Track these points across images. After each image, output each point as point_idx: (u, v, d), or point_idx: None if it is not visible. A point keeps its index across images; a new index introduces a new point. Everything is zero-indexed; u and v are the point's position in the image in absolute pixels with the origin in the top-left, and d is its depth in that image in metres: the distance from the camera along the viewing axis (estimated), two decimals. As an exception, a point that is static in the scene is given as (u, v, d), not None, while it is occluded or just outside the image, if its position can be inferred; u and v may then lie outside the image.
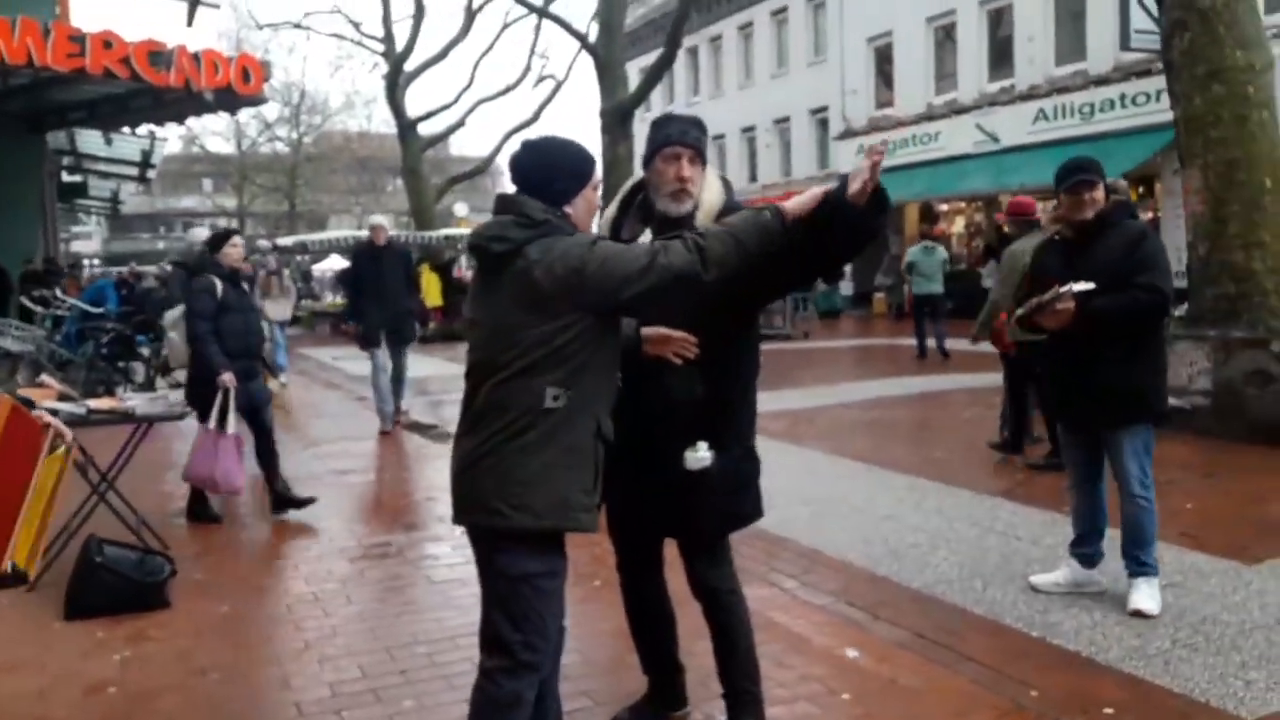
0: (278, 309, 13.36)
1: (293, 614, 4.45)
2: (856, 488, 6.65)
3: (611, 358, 2.64)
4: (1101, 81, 19.46)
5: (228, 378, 5.75)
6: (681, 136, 2.88)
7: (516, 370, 2.48)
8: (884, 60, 25.32)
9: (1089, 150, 19.72)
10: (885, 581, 4.76)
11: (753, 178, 31.20)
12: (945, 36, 23.58)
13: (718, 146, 33.06)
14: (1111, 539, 4.46)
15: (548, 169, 2.62)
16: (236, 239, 6.21)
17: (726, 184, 3.01)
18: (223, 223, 53.02)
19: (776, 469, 7.01)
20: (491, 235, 2.56)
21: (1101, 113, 19.40)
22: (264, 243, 32.48)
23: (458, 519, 2.63)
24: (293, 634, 4.21)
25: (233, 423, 5.75)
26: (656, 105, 35.22)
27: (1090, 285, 4.03)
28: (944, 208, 25.06)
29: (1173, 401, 7.88)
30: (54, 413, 4.82)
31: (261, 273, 13.65)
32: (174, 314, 6.47)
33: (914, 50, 24.10)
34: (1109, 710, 3.35)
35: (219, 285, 5.88)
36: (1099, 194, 4.17)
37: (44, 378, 6.44)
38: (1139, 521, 4.23)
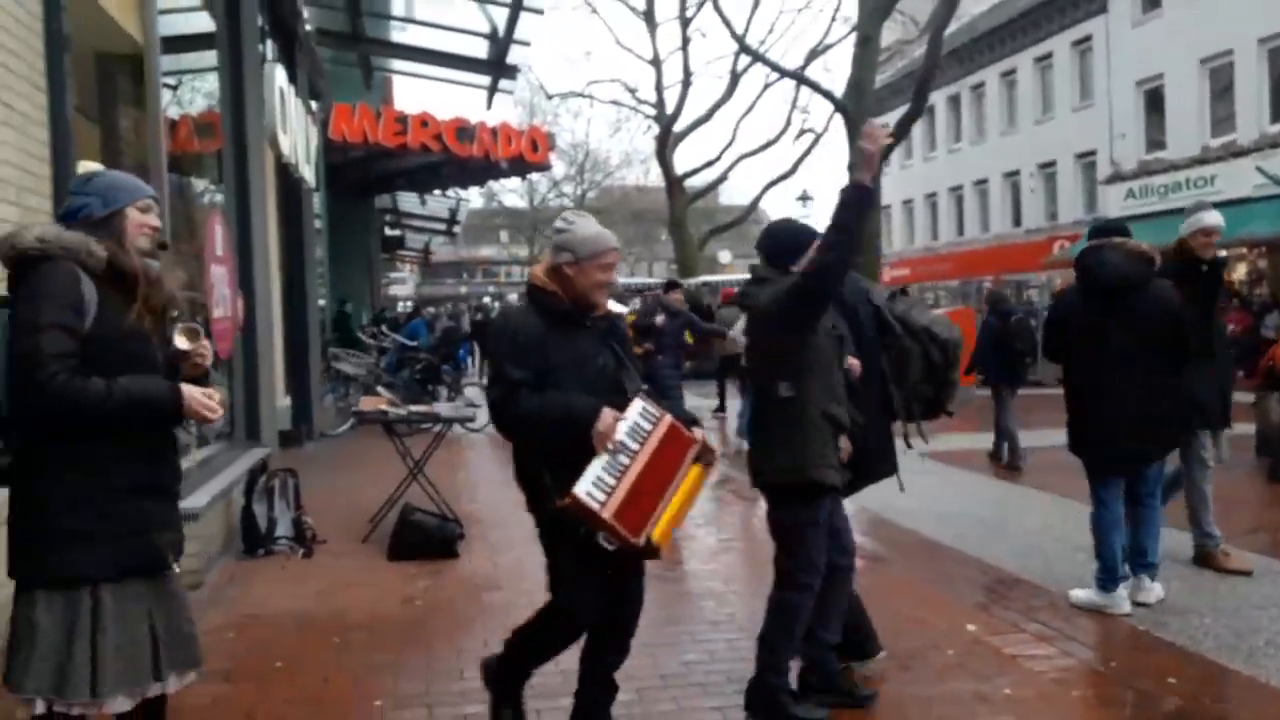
0: None
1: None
2: (1038, 514, 7.30)
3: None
4: (1399, 118, 18.07)
5: None
6: None
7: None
8: (1154, 102, 24.48)
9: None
10: (1026, 583, 5.52)
11: (1016, 222, 30.71)
12: (1222, 77, 22.54)
13: (979, 190, 32.83)
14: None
15: None
16: None
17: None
18: (517, 270, 58.15)
19: (971, 497, 7.80)
20: None
21: (1398, 151, 17.99)
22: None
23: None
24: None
25: None
26: (918, 151, 35.58)
27: None
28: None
29: None
30: (387, 412, 6.64)
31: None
32: None
33: (1187, 92, 23.17)
34: (1172, 680, 4.05)
35: None
36: None
37: (379, 390, 8.42)
38: None
